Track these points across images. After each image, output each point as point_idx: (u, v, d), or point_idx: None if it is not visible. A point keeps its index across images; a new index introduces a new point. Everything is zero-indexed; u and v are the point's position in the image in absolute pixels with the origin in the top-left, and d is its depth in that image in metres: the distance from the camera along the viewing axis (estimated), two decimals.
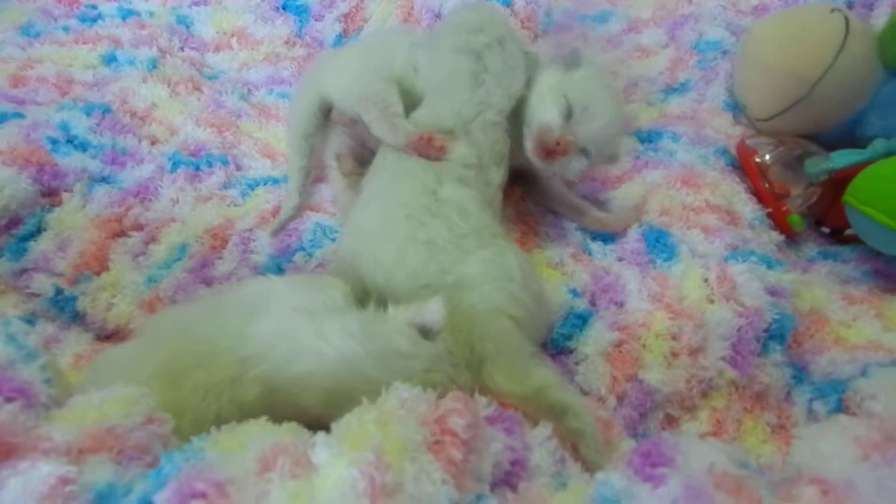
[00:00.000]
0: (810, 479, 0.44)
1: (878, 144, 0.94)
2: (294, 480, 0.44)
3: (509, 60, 0.87)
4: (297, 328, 0.63)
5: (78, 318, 0.88)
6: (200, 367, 0.60)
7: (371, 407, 0.51)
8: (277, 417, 0.58)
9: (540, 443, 0.57)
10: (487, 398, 0.58)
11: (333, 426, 0.49)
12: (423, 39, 0.96)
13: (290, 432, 0.52)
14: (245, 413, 0.59)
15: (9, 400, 0.49)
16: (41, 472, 0.45)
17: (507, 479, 0.53)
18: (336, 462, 0.44)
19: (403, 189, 0.81)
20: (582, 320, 0.82)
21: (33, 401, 0.51)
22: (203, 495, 0.43)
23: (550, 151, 0.84)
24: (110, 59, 1.16)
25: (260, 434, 0.52)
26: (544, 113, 0.85)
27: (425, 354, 0.62)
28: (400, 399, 0.51)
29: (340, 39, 1.28)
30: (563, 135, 0.83)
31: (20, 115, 1.00)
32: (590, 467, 0.60)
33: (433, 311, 0.64)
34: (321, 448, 0.46)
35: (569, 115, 0.84)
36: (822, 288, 0.90)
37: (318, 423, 0.57)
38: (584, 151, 0.85)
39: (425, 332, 0.64)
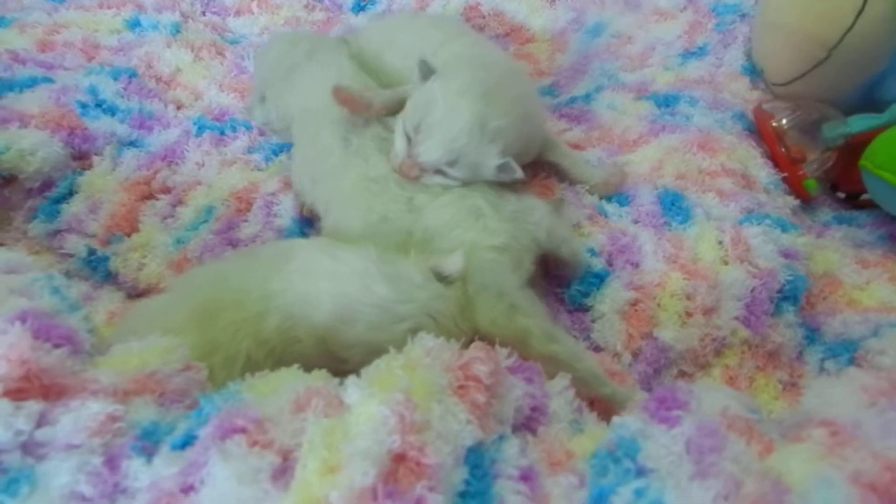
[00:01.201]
0: (819, 422, 0.46)
1: None
2: (328, 419, 0.47)
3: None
4: (317, 262, 0.67)
5: (110, 278, 0.91)
6: (231, 307, 0.64)
7: (398, 354, 0.53)
8: (295, 353, 0.62)
9: (558, 392, 0.59)
10: (508, 349, 0.60)
11: (363, 371, 0.52)
12: None
13: (320, 378, 0.55)
14: (269, 349, 0.63)
15: (57, 346, 0.52)
16: (91, 409, 0.48)
17: (527, 423, 0.55)
18: (367, 401, 0.47)
19: (349, 185, 0.83)
20: (599, 279, 0.84)
21: (79, 347, 0.54)
22: (243, 430, 0.46)
23: (403, 175, 0.81)
24: (134, 24, 1.18)
25: (292, 379, 0.54)
26: (395, 137, 0.83)
27: (436, 290, 0.64)
28: (426, 348, 0.54)
29: (359, 3, 1.29)
30: (403, 161, 0.80)
31: (49, 80, 1.03)
32: (611, 404, 0.63)
33: (453, 260, 0.68)
34: (352, 389, 0.49)
35: (408, 138, 0.80)
36: (836, 252, 0.91)
37: (333, 363, 0.61)
38: (438, 171, 0.80)
39: (441, 278, 0.67)
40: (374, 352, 0.58)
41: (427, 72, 0.82)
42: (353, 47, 1.00)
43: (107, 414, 0.48)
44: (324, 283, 0.64)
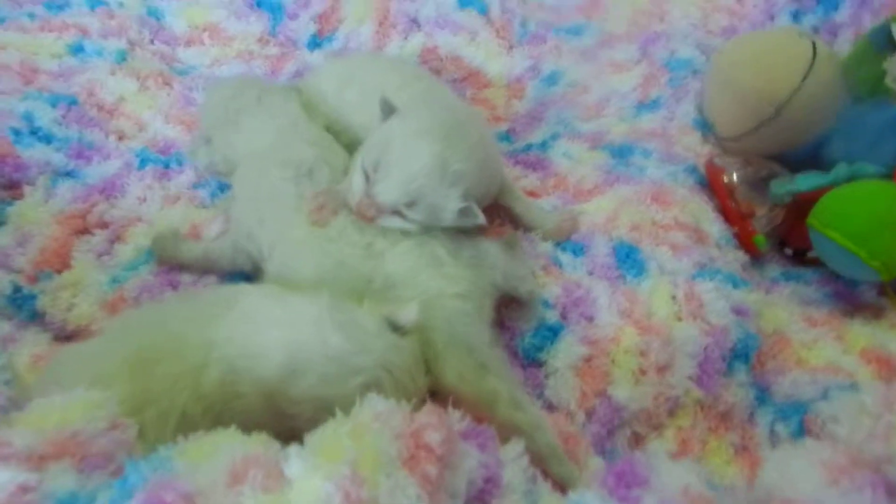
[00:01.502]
0: (781, 502, 0.45)
1: (842, 169, 0.96)
2: (267, 494, 0.43)
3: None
4: (265, 309, 0.64)
5: (36, 318, 0.85)
6: (169, 357, 0.60)
7: (345, 419, 0.50)
8: (235, 409, 0.59)
9: (512, 459, 0.57)
10: (461, 412, 0.57)
11: (307, 438, 0.48)
12: None
13: (260, 443, 0.51)
14: (207, 405, 0.59)
15: None
16: (1, 478, 0.43)
17: (480, 496, 0.52)
18: (310, 475, 0.43)
19: (298, 228, 0.80)
20: (553, 333, 0.82)
21: None
22: None
23: (360, 216, 0.78)
24: (77, 49, 1.13)
25: (229, 444, 0.51)
26: (352, 176, 0.81)
27: (391, 341, 0.62)
28: (374, 412, 0.51)
29: (315, 40, 1.26)
30: (360, 200, 0.77)
31: None
32: (561, 484, 0.60)
33: (408, 310, 0.65)
34: (294, 460, 0.45)
35: (366, 177, 0.77)
36: (785, 309, 0.92)
37: (279, 420, 0.58)
38: (396, 212, 0.77)
39: (395, 329, 0.64)
40: (323, 408, 0.55)
41: (388, 110, 0.80)
42: (304, 94, 0.97)
43: (17, 484, 0.44)
44: (273, 331, 0.61)
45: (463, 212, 0.78)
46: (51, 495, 0.45)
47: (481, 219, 0.78)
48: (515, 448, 0.58)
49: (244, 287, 0.75)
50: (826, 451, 0.50)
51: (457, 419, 0.55)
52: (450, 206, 0.77)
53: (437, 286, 0.74)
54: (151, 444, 0.54)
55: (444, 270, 0.75)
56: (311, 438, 0.49)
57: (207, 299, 0.71)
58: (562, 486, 0.59)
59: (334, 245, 0.78)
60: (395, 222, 0.78)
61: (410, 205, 0.76)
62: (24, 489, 0.44)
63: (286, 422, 0.58)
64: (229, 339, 0.61)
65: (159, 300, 0.85)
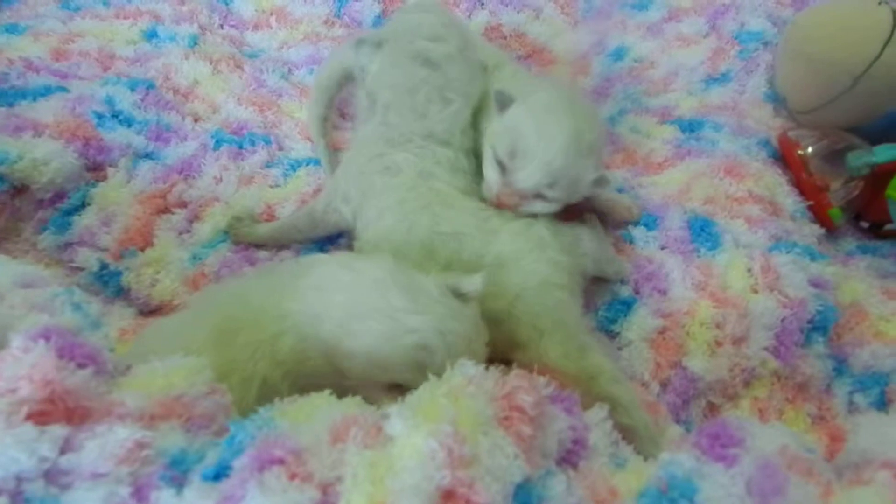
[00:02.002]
0: (882, 464, 0.45)
1: None
2: (369, 450, 0.45)
3: (468, 70, 0.87)
4: (334, 276, 0.65)
5: (122, 293, 0.88)
6: (248, 327, 0.62)
7: (440, 382, 0.51)
8: (307, 372, 0.61)
9: (596, 423, 0.58)
10: (546, 378, 0.58)
11: (406, 399, 0.50)
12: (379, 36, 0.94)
13: (355, 405, 0.52)
14: (285, 371, 0.62)
15: (80, 366, 0.49)
16: (118, 435, 0.45)
17: (569, 457, 0.53)
18: (413, 433, 0.44)
19: (418, 195, 0.81)
20: (626, 306, 0.83)
21: (102, 367, 0.52)
22: (281, 461, 0.44)
23: (501, 205, 0.80)
24: (151, 35, 1.16)
25: (326, 406, 0.52)
26: (484, 167, 0.82)
27: (452, 307, 0.62)
28: (467, 375, 0.51)
29: (379, 20, 1.27)
30: (500, 190, 0.79)
31: (64, 89, 1.01)
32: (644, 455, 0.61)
33: (473, 280, 0.66)
34: (396, 419, 0.46)
35: (501, 167, 0.79)
36: (862, 282, 0.90)
37: (337, 379, 0.60)
38: (538, 195, 0.79)
39: (459, 296, 0.65)
40: (374, 365, 0.58)
41: (506, 100, 0.81)
42: None
43: (134, 440, 0.46)
44: (338, 295, 0.63)
45: (596, 181, 0.80)
46: (164, 452, 0.47)
47: (612, 184, 0.82)
48: (599, 413, 0.58)
49: (318, 257, 0.76)
50: None
51: (543, 384, 0.55)
52: (587, 176, 0.79)
53: (542, 273, 0.75)
54: (236, 407, 0.57)
55: (547, 254, 0.76)
56: (408, 400, 0.50)
57: (283, 272, 0.74)
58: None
59: (454, 212, 0.79)
60: (537, 206, 0.79)
61: (552, 184, 0.78)
62: (140, 445, 0.46)
63: (341, 379, 0.60)
64: (300, 307, 0.63)
65: (238, 276, 0.88)
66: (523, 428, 0.48)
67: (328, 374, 0.61)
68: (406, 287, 0.62)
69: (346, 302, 0.62)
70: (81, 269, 0.88)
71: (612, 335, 0.82)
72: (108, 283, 0.88)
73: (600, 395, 0.65)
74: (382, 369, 0.58)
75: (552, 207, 0.80)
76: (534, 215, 0.80)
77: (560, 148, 0.76)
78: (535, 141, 0.77)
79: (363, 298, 0.61)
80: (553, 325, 0.71)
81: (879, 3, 1.01)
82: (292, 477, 0.43)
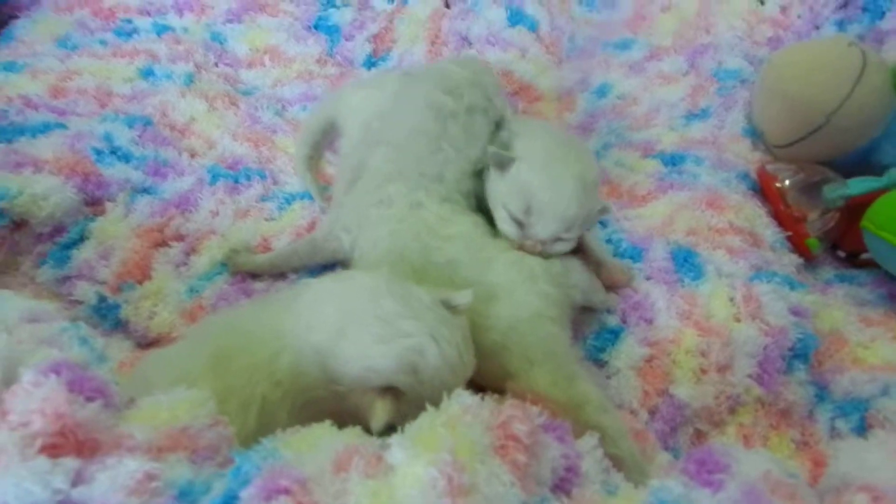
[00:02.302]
0: (859, 487, 0.47)
1: (895, 172, 0.97)
2: (372, 480, 0.47)
3: (471, 130, 0.88)
4: (327, 289, 0.67)
5: (120, 326, 0.90)
6: (243, 351, 0.64)
7: (438, 412, 0.53)
8: (303, 389, 0.63)
9: (588, 451, 0.59)
10: (538, 408, 0.60)
11: (406, 428, 0.51)
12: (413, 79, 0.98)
13: (355, 435, 0.54)
14: (283, 390, 0.63)
15: (90, 399, 0.51)
16: (128, 467, 0.47)
17: (562, 485, 0.55)
18: (413, 462, 0.46)
19: (413, 221, 0.83)
20: (614, 335, 0.85)
21: (111, 400, 0.53)
22: (287, 491, 0.45)
23: (527, 251, 0.83)
24: (148, 73, 1.19)
25: (328, 437, 0.54)
26: (498, 223, 0.85)
27: (443, 315, 0.64)
28: (464, 405, 0.53)
29: (370, 59, 1.31)
30: (522, 242, 0.83)
31: (62, 126, 1.03)
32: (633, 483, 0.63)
33: (463, 294, 0.68)
34: (397, 449, 0.48)
35: (518, 222, 0.82)
36: (840, 310, 0.93)
37: (332, 391, 0.62)
38: (557, 239, 0.83)
39: (450, 308, 0.67)
40: (368, 369, 0.59)
41: (504, 160, 0.84)
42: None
43: (144, 472, 0.47)
44: (330, 305, 0.65)
45: (601, 210, 0.87)
46: (172, 483, 0.48)
47: (611, 209, 0.89)
48: (590, 441, 0.60)
49: (311, 281, 0.76)
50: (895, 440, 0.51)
51: (536, 413, 0.57)
52: (595, 209, 0.85)
53: (534, 305, 0.77)
54: (236, 433, 0.58)
55: (538, 287, 0.78)
56: (408, 430, 0.52)
57: (276, 298, 0.76)
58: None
59: (449, 244, 0.81)
60: (557, 247, 0.84)
61: (569, 229, 0.82)
62: (150, 477, 0.47)
63: (337, 387, 0.61)
64: (294, 323, 0.64)
65: (234, 306, 0.89)
66: (518, 456, 0.50)
67: (324, 388, 0.62)
68: (399, 294, 0.64)
69: (338, 310, 0.63)
70: (80, 303, 0.89)
71: (601, 364, 0.84)
72: (107, 317, 0.89)
73: (588, 423, 0.67)
74: (376, 373, 0.59)
75: (571, 245, 0.85)
76: None
77: (571, 197, 0.81)
78: (547, 197, 0.81)
79: (356, 305, 0.63)
80: (543, 357, 0.73)
81: (849, 45, 1.06)
82: None
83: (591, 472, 0.58)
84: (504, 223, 0.84)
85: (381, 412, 0.58)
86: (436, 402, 0.55)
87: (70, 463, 0.46)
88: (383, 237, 0.83)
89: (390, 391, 0.59)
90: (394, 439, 0.49)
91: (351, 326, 0.61)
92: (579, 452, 0.58)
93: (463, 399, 0.54)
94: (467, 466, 0.46)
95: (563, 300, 0.80)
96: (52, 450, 0.46)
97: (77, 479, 0.46)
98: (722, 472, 0.49)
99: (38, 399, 0.47)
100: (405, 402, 0.60)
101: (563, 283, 0.81)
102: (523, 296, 0.77)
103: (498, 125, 0.91)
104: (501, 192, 0.84)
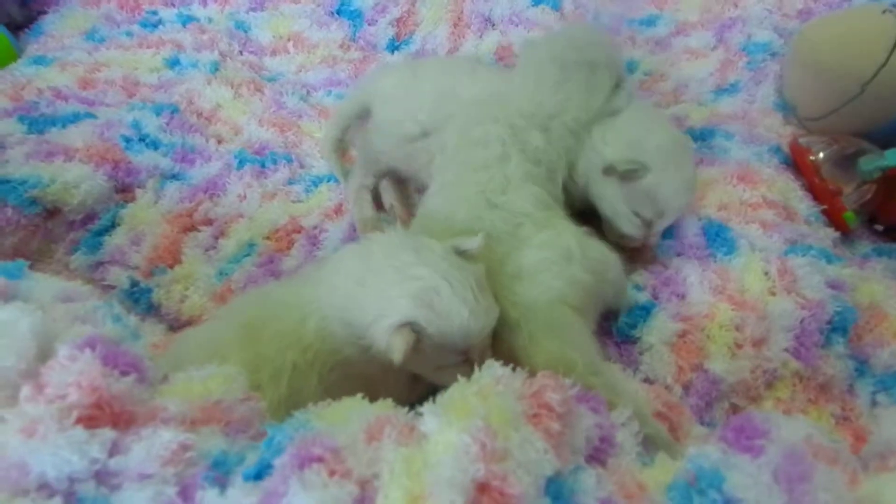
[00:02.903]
0: None
1: None
2: (405, 447, 0.46)
3: (592, 83, 0.91)
4: (348, 253, 0.70)
5: (152, 310, 0.91)
6: (272, 322, 0.66)
7: (469, 382, 0.53)
8: (332, 353, 0.66)
9: (622, 423, 0.59)
10: (572, 379, 0.59)
11: (437, 398, 0.51)
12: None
13: (387, 407, 0.54)
14: (312, 354, 0.65)
15: (124, 373, 0.51)
16: (163, 438, 0.47)
17: (597, 455, 0.54)
18: (446, 429, 0.46)
19: (470, 183, 0.83)
20: (645, 311, 0.84)
21: (144, 375, 0.54)
22: (320, 459, 0.45)
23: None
24: (174, 63, 1.20)
25: (359, 408, 0.54)
26: (624, 227, 0.89)
27: (454, 261, 0.67)
28: (495, 376, 0.53)
29: (393, 43, 1.31)
30: (647, 240, 0.89)
31: (92, 116, 1.05)
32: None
33: (472, 240, 0.70)
34: (429, 417, 0.48)
35: (647, 224, 0.88)
36: (880, 283, 0.91)
37: (359, 348, 0.65)
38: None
39: (461, 253, 0.69)
40: (384, 310, 0.62)
41: (640, 172, 0.87)
42: None
43: (178, 443, 0.48)
44: (350, 263, 0.68)
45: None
46: (206, 454, 0.48)
47: None
48: (625, 413, 0.59)
49: (334, 254, 0.80)
50: None
51: (569, 384, 0.57)
52: None
53: (558, 289, 0.75)
54: (268, 401, 0.60)
55: (570, 270, 0.77)
56: (440, 400, 0.51)
57: (303, 272, 0.80)
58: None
59: (492, 213, 0.80)
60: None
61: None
62: (184, 447, 0.48)
63: (358, 340, 0.64)
64: (318, 288, 0.67)
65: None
66: (552, 424, 0.49)
67: (352, 346, 0.65)
68: (412, 247, 0.67)
69: (357, 266, 0.67)
70: (113, 288, 0.91)
71: (633, 340, 0.83)
72: (139, 301, 0.91)
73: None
74: (394, 311, 0.62)
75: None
76: (567, 226, 0.82)
77: (693, 191, 0.90)
78: (682, 201, 0.88)
79: (373, 260, 0.66)
80: (549, 338, 0.71)
81: (884, 12, 1.03)
82: (332, 473, 0.45)
83: (627, 443, 0.57)
84: (632, 227, 0.88)
85: (399, 342, 0.60)
86: (460, 348, 0.61)
87: (106, 434, 0.46)
88: (450, 183, 0.85)
89: (407, 327, 0.61)
90: (426, 408, 0.49)
91: (369, 277, 0.65)
92: (614, 423, 0.57)
93: (495, 370, 0.54)
94: (500, 433, 0.46)
95: (594, 289, 0.78)
96: (89, 421, 0.47)
97: (113, 450, 0.46)
98: (762, 438, 0.47)
99: (73, 373, 0.48)
100: (428, 342, 0.63)
101: (600, 273, 0.79)
102: (550, 279, 0.76)
103: (617, 84, 0.93)
104: (630, 199, 0.88)
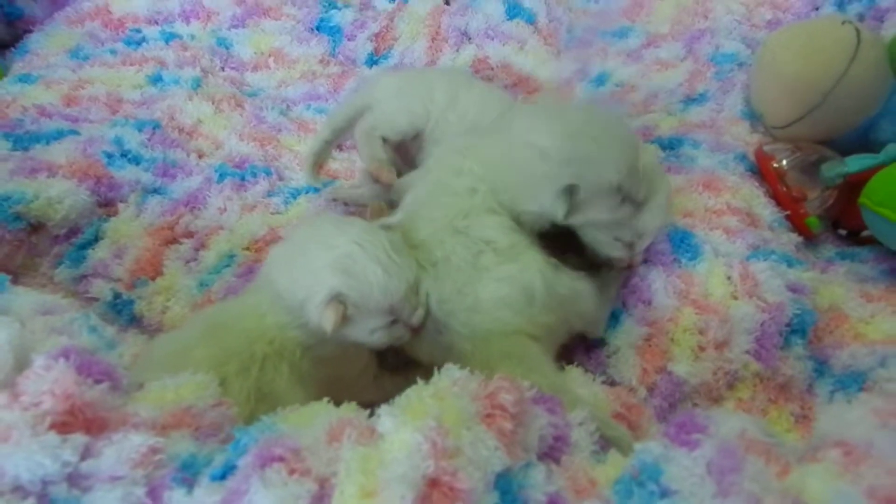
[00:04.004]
0: (834, 443, 0.48)
1: (892, 148, 0.97)
2: (362, 447, 0.49)
3: None
4: (282, 246, 0.77)
5: (135, 321, 0.93)
6: (237, 320, 0.71)
7: (426, 385, 0.55)
8: (296, 346, 0.71)
9: (579, 423, 0.61)
10: (529, 382, 0.62)
11: (395, 400, 0.54)
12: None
13: (350, 410, 0.57)
14: (278, 348, 0.70)
15: (98, 382, 0.54)
16: (133, 442, 0.50)
17: (550, 452, 0.57)
18: (401, 429, 0.49)
19: (438, 204, 0.83)
20: (613, 317, 0.86)
21: (118, 383, 0.56)
22: (281, 459, 0.48)
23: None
24: (156, 79, 1.23)
25: (324, 411, 0.57)
26: (607, 253, 0.87)
27: (370, 228, 0.74)
28: (452, 378, 0.56)
29: (372, 58, 1.34)
30: (630, 259, 0.89)
31: (75, 132, 1.07)
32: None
33: (395, 216, 0.81)
34: (385, 418, 0.51)
35: (630, 245, 0.88)
36: (841, 286, 0.93)
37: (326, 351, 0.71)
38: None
39: (386, 228, 0.78)
40: (310, 283, 0.68)
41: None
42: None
43: (148, 446, 0.50)
44: (283, 251, 0.75)
45: None
46: (175, 456, 0.51)
47: None
48: (581, 414, 0.62)
49: None
50: (878, 401, 0.53)
51: (527, 387, 0.59)
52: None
53: (516, 325, 0.75)
54: (236, 395, 0.64)
55: (531, 312, 0.76)
56: (397, 401, 0.54)
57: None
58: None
59: (454, 239, 0.79)
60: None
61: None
62: (153, 450, 0.50)
63: (304, 324, 0.70)
64: (267, 285, 0.72)
65: None
66: (504, 424, 0.52)
67: (302, 332, 0.70)
68: (333, 221, 0.76)
69: (287, 251, 0.74)
70: (96, 300, 0.93)
71: (601, 344, 0.86)
72: (122, 312, 0.93)
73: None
74: (319, 284, 0.68)
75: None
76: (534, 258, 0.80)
77: (669, 209, 0.93)
78: (657, 220, 0.89)
79: (299, 242, 0.73)
80: (507, 366, 0.70)
81: (844, 23, 1.06)
82: (292, 472, 0.47)
83: (582, 441, 0.60)
84: (615, 251, 0.87)
85: (329, 315, 0.66)
86: (385, 309, 0.69)
87: (79, 439, 0.49)
88: (408, 203, 0.86)
89: (335, 298, 0.67)
90: (382, 409, 0.52)
91: (297, 258, 0.71)
92: (569, 423, 0.60)
93: (452, 373, 0.56)
94: (452, 432, 0.49)
95: (557, 326, 0.78)
96: (62, 427, 0.49)
97: (85, 454, 0.49)
98: (700, 433, 0.50)
99: (48, 381, 0.51)
100: (353, 309, 0.68)
101: (567, 307, 0.79)
102: (509, 316, 0.75)
103: None
104: (608, 228, 0.85)
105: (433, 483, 0.46)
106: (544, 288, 0.77)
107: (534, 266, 0.78)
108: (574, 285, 0.80)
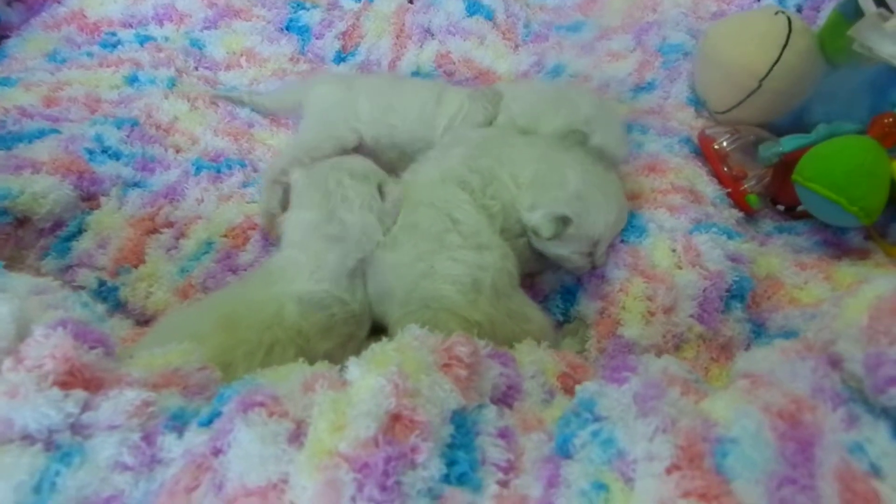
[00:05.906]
0: (742, 375, 0.56)
1: (821, 128, 1.05)
2: (333, 391, 0.55)
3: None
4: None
5: (120, 307, 0.98)
6: (252, 314, 0.76)
7: (390, 342, 0.62)
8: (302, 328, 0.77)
9: (531, 375, 0.68)
10: (485, 340, 0.68)
11: (362, 354, 0.60)
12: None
13: (323, 367, 0.63)
14: (294, 334, 0.77)
15: (92, 347, 0.59)
16: (128, 396, 0.56)
17: (504, 399, 0.63)
18: (366, 376, 0.55)
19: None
20: (572, 294, 0.95)
21: (111, 350, 0.62)
22: (262, 404, 0.54)
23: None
24: (133, 80, 1.27)
25: (299, 369, 0.63)
26: (570, 265, 0.95)
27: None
28: (414, 335, 0.62)
29: (340, 55, 1.40)
30: (592, 263, 0.95)
31: (56, 131, 1.12)
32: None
33: (394, 186, 0.91)
34: (353, 367, 0.57)
35: (590, 253, 0.93)
36: (777, 257, 1.01)
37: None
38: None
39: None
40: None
41: (560, 229, 0.91)
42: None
43: (141, 400, 0.56)
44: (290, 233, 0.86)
45: None
46: (166, 409, 0.57)
47: None
48: (533, 367, 0.69)
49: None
50: (787, 343, 0.60)
51: (482, 345, 0.66)
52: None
53: (459, 303, 0.80)
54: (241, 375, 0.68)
55: (476, 298, 0.81)
56: (363, 354, 0.60)
57: (266, 266, 0.88)
58: None
59: (429, 209, 0.88)
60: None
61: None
62: (146, 403, 0.56)
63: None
64: (280, 275, 0.81)
65: (221, 285, 0.99)
66: (460, 371, 0.58)
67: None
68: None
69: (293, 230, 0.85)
70: (82, 288, 0.97)
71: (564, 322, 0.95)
72: (107, 299, 0.97)
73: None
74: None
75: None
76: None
77: (622, 212, 0.97)
78: (611, 228, 0.95)
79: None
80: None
81: (777, 13, 1.14)
82: (271, 414, 0.53)
83: (534, 391, 0.66)
84: (579, 261, 0.94)
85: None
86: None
87: (79, 394, 0.54)
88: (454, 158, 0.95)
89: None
90: (350, 361, 0.58)
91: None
92: (521, 374, 0.67)
93: (413, 330, 0.63)
94: (412, 376, 0.55)
95: (498, 324, 0.80)
96: (63, 385, 0.55)
97: (85, 407, 0.54)
98: (629, 371, 0.57)
99: (49, 347, 0.56)
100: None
101: (512, 315, 0.82)
102: (453, 292, 0.80)
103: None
104: (565, 244, 0.92)
105: (395, 417, 0.52)
106: (492, 288, 0.82)
107: (493, 268, 0.84)
108: (526, 311, 0.85)
